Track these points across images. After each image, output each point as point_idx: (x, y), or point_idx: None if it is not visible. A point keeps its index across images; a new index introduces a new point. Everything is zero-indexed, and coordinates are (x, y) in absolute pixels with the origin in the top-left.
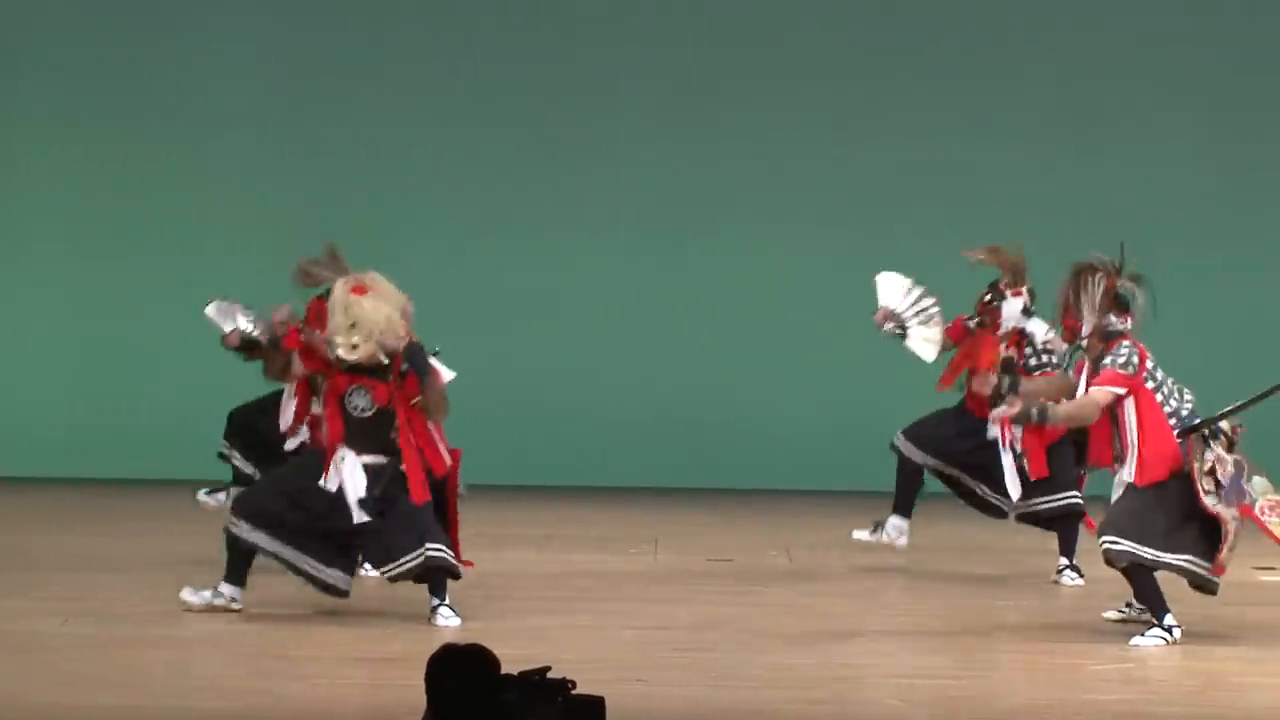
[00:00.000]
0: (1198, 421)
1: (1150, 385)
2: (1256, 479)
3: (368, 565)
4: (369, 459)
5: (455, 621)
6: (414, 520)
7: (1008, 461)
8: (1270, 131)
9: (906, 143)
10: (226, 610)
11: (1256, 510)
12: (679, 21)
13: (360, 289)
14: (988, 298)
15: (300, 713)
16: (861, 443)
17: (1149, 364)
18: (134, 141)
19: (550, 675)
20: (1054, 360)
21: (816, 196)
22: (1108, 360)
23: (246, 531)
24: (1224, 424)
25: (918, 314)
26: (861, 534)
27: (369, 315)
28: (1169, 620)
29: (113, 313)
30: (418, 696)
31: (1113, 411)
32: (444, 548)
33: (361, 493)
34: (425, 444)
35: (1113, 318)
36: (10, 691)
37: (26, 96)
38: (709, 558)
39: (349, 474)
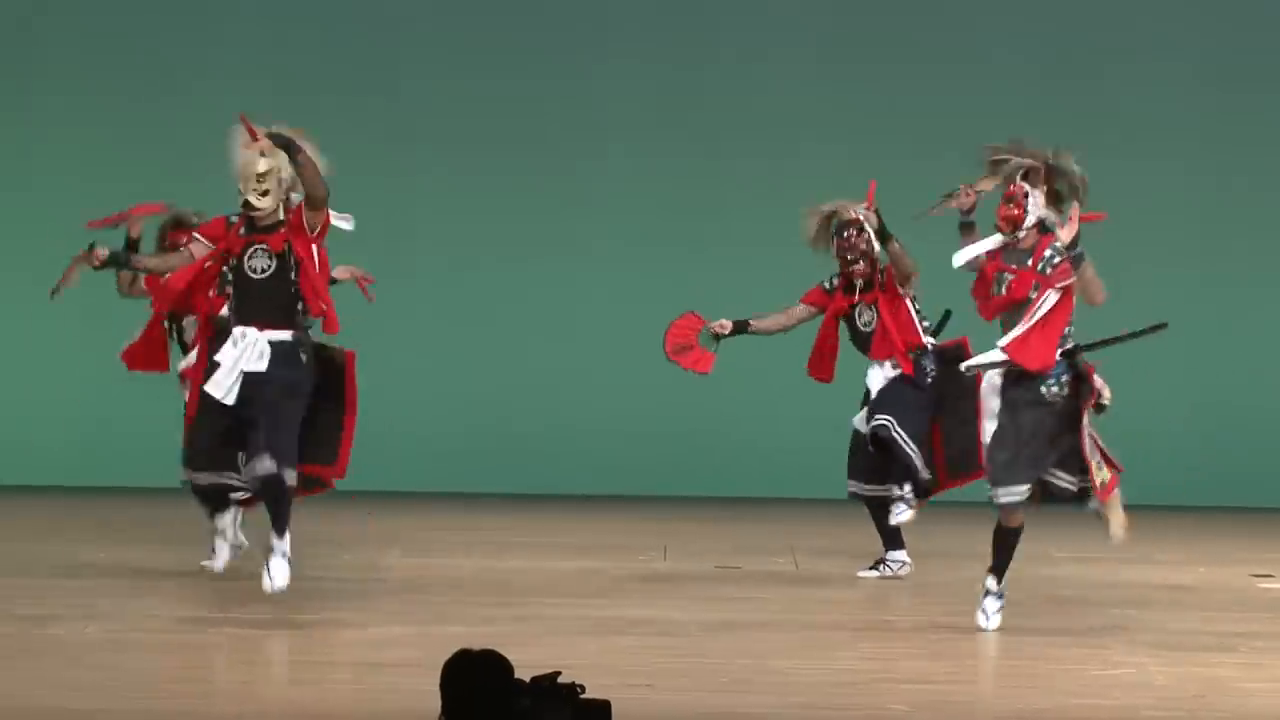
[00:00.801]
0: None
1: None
2: None
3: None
4: (272, 334)
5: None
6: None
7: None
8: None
9: (909, 159)
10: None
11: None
12: (677, 40)
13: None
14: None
15: (315, 717)
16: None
17: None
18: (143, 161)
19: (559, 680)
20: None
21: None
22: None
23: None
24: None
25: None
26: (866, 573)
27: (280, 164)
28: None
29: (116, 325)
30: (432, 701)
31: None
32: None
33: (259, 367)
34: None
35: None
36: (30, 696)
37: (41, 113)
38: (717, 564)
39: (251, 347)
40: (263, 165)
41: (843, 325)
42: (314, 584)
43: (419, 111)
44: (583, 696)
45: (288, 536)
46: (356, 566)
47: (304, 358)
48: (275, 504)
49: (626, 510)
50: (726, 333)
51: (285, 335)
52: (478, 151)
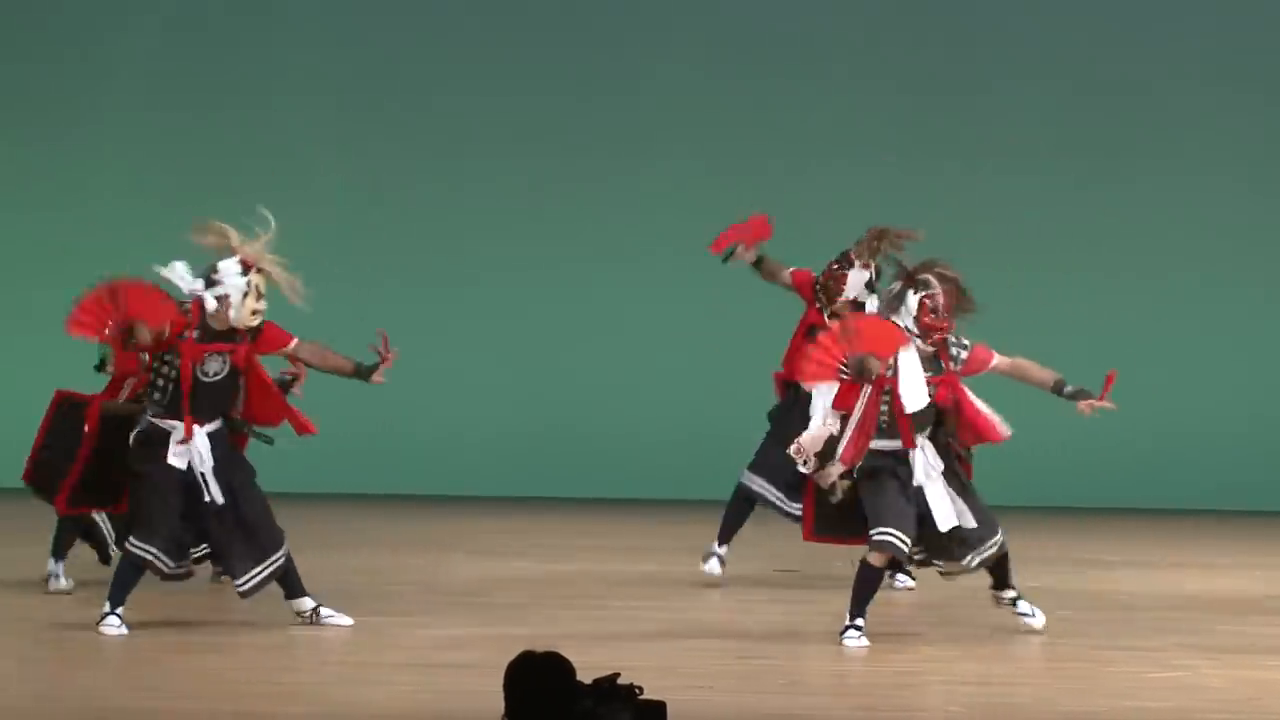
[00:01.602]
0: None
1: None
2: None
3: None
4: (210, 427)
5: (346, 620)
6: (260, 522)
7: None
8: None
9: (939, 170)
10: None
11: None
12: (711, 53)
13: (253, 262)
14: (835, 265)
15: (381, 717)
16: None
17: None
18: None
19: (618, 681)
20: None
21: (847, 223)
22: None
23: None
24: None
25: None
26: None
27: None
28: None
29: None
30: (494, 702)
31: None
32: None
33: (210, 463)
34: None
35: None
36: (94, 697)
37: (101, 122)
38: (775, 568)
39: (199, 445)
40: (262, 304)
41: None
42: (379, 586)
43: (460, 124)
44: (640, 698)
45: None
46: (420, 569)
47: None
48: (291, 575)
49: (686, 514)
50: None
51: (218, 426)
52: (525, 168)
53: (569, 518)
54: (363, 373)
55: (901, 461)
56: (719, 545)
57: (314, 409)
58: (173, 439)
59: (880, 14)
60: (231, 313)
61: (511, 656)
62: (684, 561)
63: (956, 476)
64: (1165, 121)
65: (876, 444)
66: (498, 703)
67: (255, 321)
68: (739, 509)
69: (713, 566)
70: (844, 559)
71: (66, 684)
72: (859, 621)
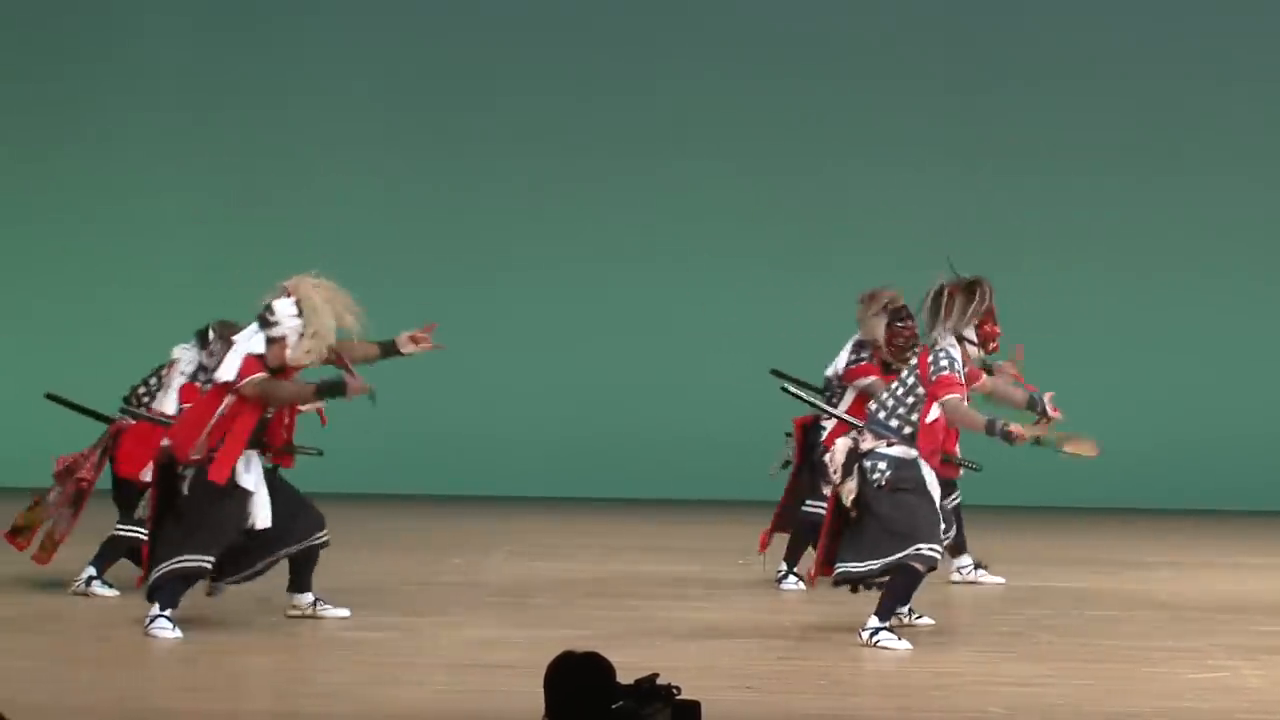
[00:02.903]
0: None
1: None
2: None
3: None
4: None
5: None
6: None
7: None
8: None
9: (981, 171)
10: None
11: None
12: (750, 53)
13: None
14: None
15: (420, 716)
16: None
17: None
18: (247, 166)
19: (656, 681)
20: None
21: (895, 223)
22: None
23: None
24: None
25: None
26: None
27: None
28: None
29: None
30: (533, 702)
31: None
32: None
33: (264, 489)
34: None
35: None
36: (136, 698)
37: (143, 122)
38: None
39: (256, 472)
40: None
41: None
42: (419, 586)
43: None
44: (677, 698)
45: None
46: (461, 569)
47: None
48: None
49: (724, 514)
50: None
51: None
52: (543, 172)
53: (607, 518)
54: (388, 349)
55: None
56: (788, 565)
57: (351, 411)
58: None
59: (897, 15)
60: (288, 353)
61: (549, 657)
62: (721, 561)
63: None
64: (1167, 122)
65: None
66: (535, 703)
67: (309, 361)
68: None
69: (790, 584)
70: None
71: (103, 685)
72: (892, 622)
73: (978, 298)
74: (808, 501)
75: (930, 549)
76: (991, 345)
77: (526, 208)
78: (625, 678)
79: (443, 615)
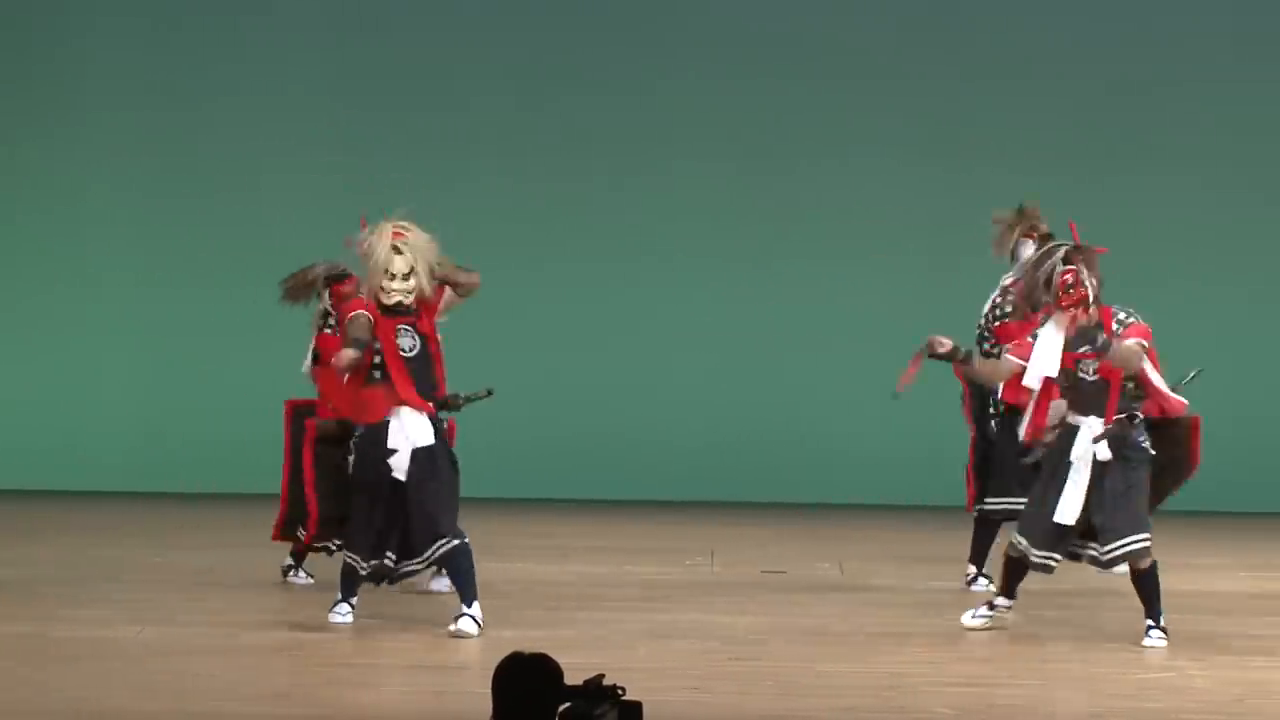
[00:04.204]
0: None
1: None
2: None
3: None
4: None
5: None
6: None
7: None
8: None
9: (963, 170)
10: None
11: None
12: (735, 52)
13: (400, 233)
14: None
15: (369, 718)
16: (910, 458)
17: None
18: (191, 167)
19: (602, 682)
20: None
21: (871, 223)
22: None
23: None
24: None
25: None
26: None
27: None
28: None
29: (167, 333)
30: (483, 704)
31: None
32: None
33: (424, 441)
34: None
35: None
36: (88, 698)
37: (90, 121)
38: (763, 569)
39: (412, 426)
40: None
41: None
42: (370, 588)
43: (470, 122)
44: (621, 699)
45: (476, 604)
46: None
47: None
48: (462, 574)
49: (672, 516)
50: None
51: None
52: (542, 165)
53: (558, 520)
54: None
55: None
56: (974, 565)
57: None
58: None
59: (872, 15)
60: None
61: (499, 658)
62: (671, 562)
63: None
64: (1147, 124)
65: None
66: (487, 705)
67: (402, 296)
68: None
69: (980, 586)
70: (831, 560)
71: (57, 685)
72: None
73: None
74: (987, 500)
75: None
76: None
77: (494, 209)
78: (574, 679)
79: (395, 617)
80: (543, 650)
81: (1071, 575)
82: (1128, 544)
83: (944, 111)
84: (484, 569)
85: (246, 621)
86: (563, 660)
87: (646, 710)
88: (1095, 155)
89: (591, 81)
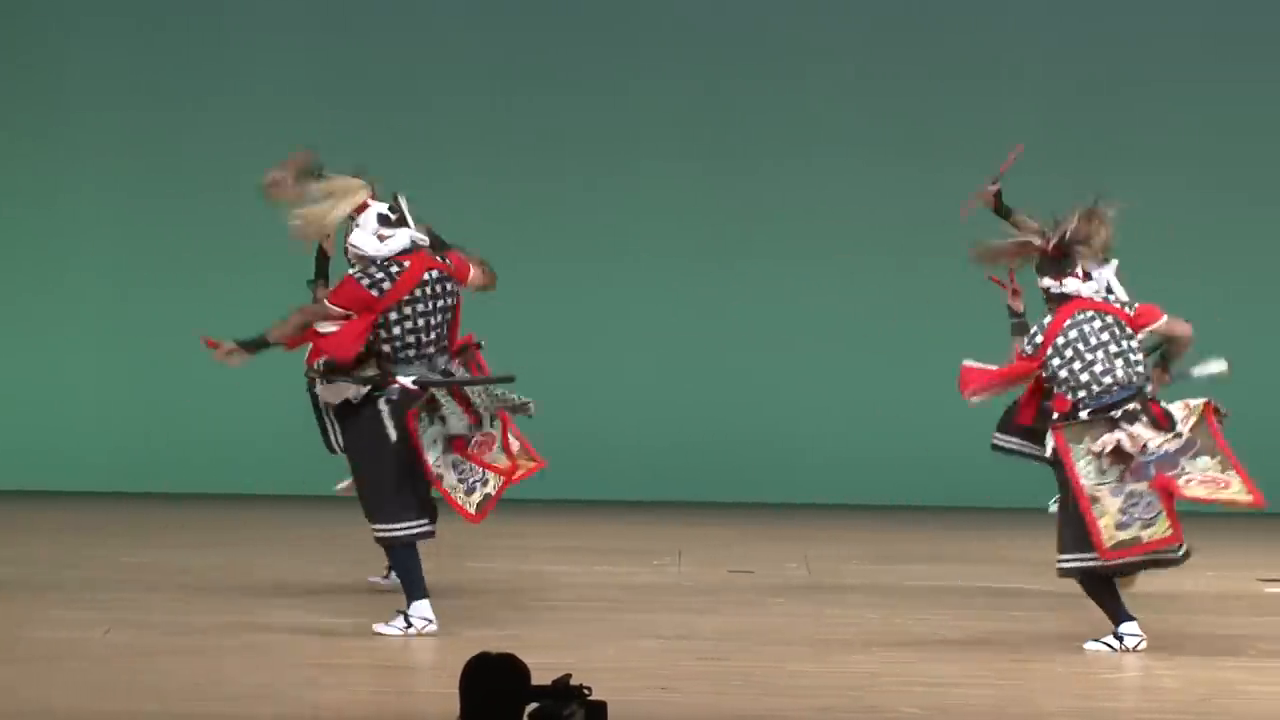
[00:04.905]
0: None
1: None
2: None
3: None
4: None
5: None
6: None
7: None
8: None
9: (930, 170)
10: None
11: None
12: (705, 52)
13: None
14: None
15: (335, 719)
16: (877, 458)
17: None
18: (172, 167)
19: (569, 682)
20: None
21: (838, 223)
22: None
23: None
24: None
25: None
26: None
27: None
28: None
29: (144, 332)
30: (451, 704)
31: None
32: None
33: None
34: None
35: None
36: (53, 699)
37: (66, 121)
38: (730, 569)
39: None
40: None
41: None
42: (338, 587)
43: (448, 125)
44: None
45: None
46: (381, 570)
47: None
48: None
49: (640, 516)
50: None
51: None
52: (511, 165)
53: (524, 519)
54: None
55: None
56: None
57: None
58: None
59: (836, 14)
60: None
61: (466, 659)
62: (641, 564)
63: None
64: (1116, 123)
65: None
66: (453, 704)
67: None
68: None
69: None
70: (798, 560)
71: (25, 685)
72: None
73: None
74: None
75: None
76: None
77: (468, 208)
78: (542, 679)
79: (362, 617)
80: (510, 650)
81: (1040, 576)
82: None
83: (911, 111)
84: (451, 569)
85: (219, 622)
86: (530, 660)
87: (615, 711)
88: (1064, 155)
89: (564, 82)
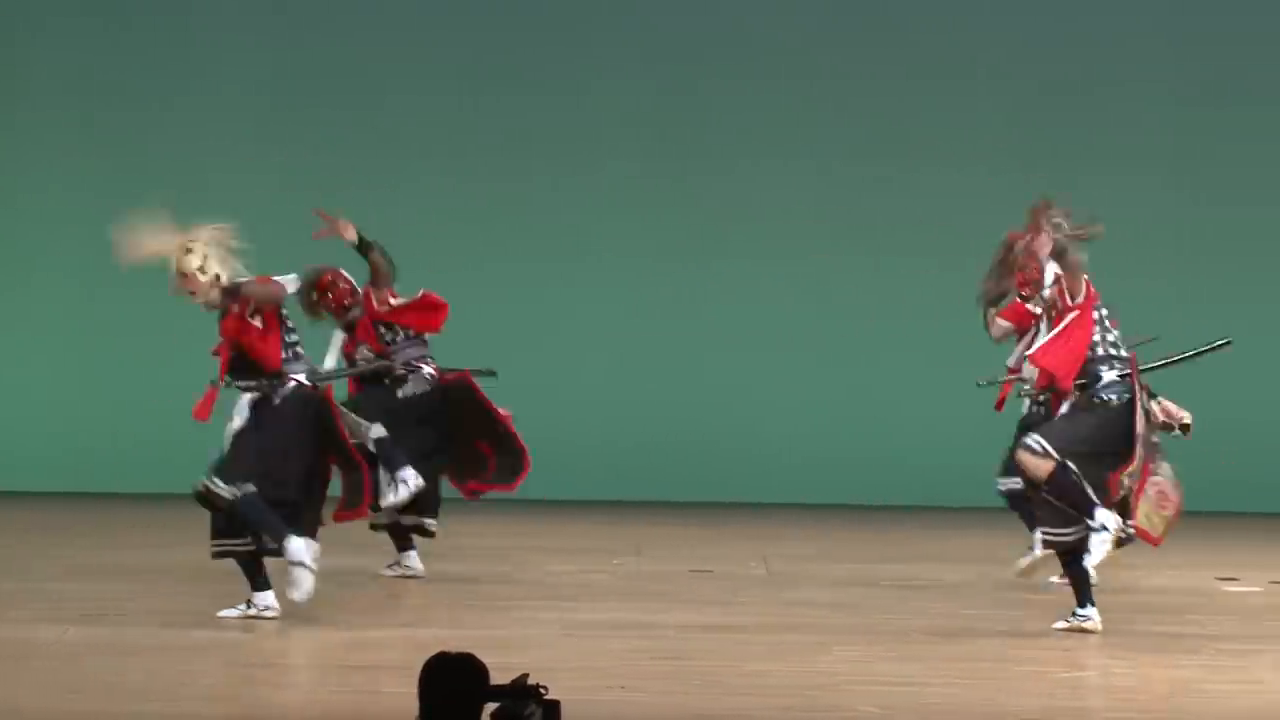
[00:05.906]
0: None
1: None
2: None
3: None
4: None
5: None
6: None
7: None
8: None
9: (901, 170)
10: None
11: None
12: (682, 52)
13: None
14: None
15: (291, 718)
16: (837, 458)
17: None
18: (138, 166)
19: (525, 682)
20: None
21: (806, 223)
22: None
23: None
24: None
25: None
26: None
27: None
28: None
29: (111, 332)
30: (410, 704)
31: None
32: None
33: None
34: None
35: None
36: (8, 698)
37: (31, 120)
38: (690, 568)
39: None
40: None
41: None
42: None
43: (418, 125)
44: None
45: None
46: (340, 570)
47: None
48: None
49: (599, 515)
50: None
51: None
52: (489, 166)
53: (490, 519)
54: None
55: None
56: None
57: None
58: None
59: (813, 14)
60: None
61: (424, 657)
62: (601, 563)
63: None
64: (1088, 123)
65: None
66: (409, 704)
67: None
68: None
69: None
70: (757, 559)
71: None
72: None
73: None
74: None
75: None
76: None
77: (434, 208)
78: (501, 679)
79: (321, 616)
80: (469, 650)
81: (1000, 572)
82: None
83: (883, 111)
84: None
85: (185, 622)
86: (489, 660)
87: (575, 711)
88: (1037, 155)
89: (529, 82)
